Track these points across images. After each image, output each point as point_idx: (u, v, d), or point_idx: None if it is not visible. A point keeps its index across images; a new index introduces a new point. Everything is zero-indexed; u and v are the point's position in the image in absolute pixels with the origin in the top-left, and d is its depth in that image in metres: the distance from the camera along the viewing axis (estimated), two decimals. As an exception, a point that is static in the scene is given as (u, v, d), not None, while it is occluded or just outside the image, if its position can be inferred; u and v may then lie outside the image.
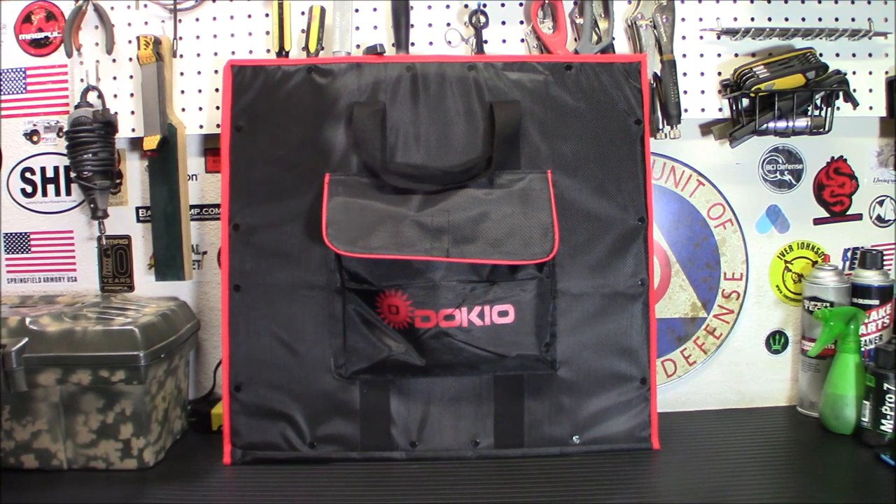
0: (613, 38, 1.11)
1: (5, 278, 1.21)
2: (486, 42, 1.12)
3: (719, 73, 1.15)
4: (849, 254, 1.22)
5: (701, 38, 1.14)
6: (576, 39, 1.12)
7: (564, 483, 0.93)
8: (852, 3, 1.14)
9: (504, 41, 1.13)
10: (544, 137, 1.03)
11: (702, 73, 1.14)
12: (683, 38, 1.14)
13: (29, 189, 1.19)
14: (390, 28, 1.10)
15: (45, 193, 1.19)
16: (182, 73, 1.13)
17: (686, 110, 1.13)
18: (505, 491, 0.91)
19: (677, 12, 1.12)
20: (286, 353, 1.01)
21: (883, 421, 0.99)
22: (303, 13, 1.10)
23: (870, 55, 1.16)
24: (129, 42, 1.13)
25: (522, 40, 1.13)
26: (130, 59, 1.13)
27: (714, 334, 1.20)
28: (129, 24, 1.13)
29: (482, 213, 0.97)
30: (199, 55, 1.13)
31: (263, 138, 1.02)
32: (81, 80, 1.14)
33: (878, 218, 1.22)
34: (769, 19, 1.13)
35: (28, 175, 1.19)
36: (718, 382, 1.21)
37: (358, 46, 1.12)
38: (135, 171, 1.19)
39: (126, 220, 1.19)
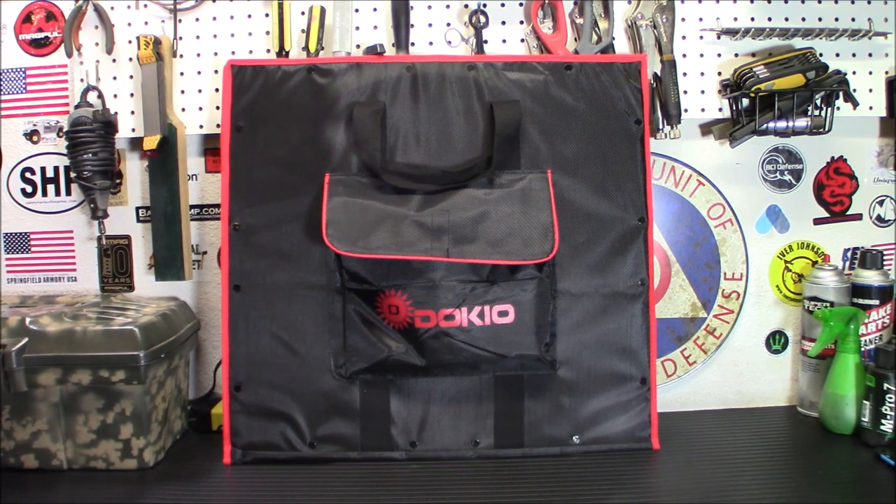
0: (613, 38, 1.11)
1: (5, 278, 1.21)
2: (486, 42, 1.12)
3: (719, 73, 1.15)
4: (849, 254, 1.22)
5: (701, 38, 1.14)
6: (576, 39, 1.12)
7: (564, 483, 0.93)
8: (852, 3, 1.14)
9: (504, 41, 1.13)
10: (544, 137, 1.03)
11: (702, 73, 1.14)
12: (683, 38, 1.13)
13: (29, 189, 1.19)
14: (390, 28, 1.10)
15: (45, 193, 1.19)
16: (182, 73, 1.13)
17: (686, 110, 1.13)
18: (505, 491, 0.91)
19: (677, 12, 1.12)
20: (286, 352, 1.01)
21: (883, 421, 0.99)
22: (303, 13, 1.10)
23: (870, 55, 1.16)
24: (129, 42, 1.13)
25: (522, 40, 1.13)
26: (130, 59, 1.13)
27: (714, 334, 1.20)
28: (129, 24, 1.13)
29: (482, 212, 0.97)
30: (199, 55, 1.13)
31: (263, 138, 1.02)
32: (81, 80, 1.14)
33: (878, 218, 1.22)
34: (769, 19, 1.13)
35: (28, 175, 1.19)
36: (718, 382, 1.21)
37: (358, 46, 1.12)
38: (135, 171, 1.19)
39: (126, 220, 1.19)
